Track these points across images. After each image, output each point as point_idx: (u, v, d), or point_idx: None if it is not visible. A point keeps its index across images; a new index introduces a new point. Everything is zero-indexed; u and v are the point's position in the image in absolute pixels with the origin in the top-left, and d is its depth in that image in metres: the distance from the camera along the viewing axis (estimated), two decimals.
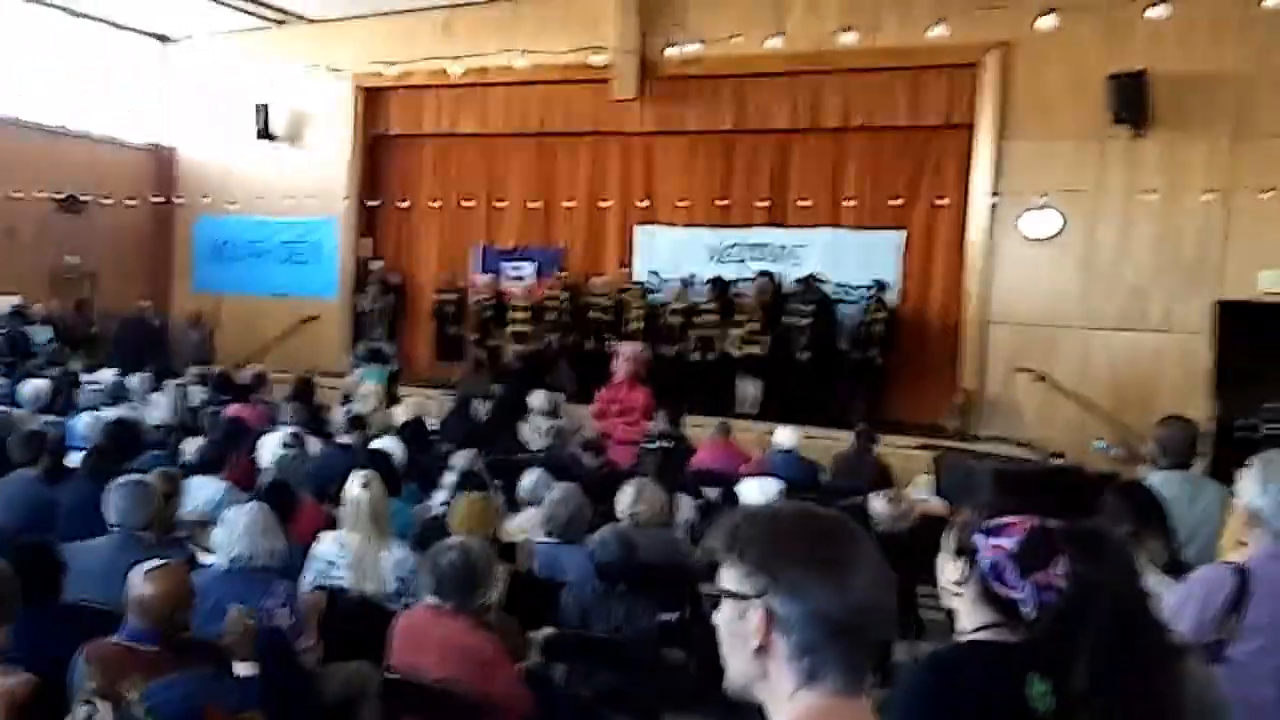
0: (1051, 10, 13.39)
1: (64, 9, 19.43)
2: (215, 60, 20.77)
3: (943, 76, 15.99)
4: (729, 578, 1.92)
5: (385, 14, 18.86)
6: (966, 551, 2.98)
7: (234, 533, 5.35)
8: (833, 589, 1.82)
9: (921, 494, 10.50)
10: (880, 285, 16.14)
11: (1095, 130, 14.56)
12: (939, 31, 14.26)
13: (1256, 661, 3.77)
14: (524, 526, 7.50)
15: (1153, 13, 13.11)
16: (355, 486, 6.43)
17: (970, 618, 2.99)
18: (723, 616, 1.93)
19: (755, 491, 7.93)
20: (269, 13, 19.40)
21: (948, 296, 16.44)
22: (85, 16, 19.85)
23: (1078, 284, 14.98)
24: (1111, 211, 14.72)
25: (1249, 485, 4.07)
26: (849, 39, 14.47)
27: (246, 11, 19.22)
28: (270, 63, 19.88)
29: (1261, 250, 13.86)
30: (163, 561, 4.42)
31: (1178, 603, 3.91)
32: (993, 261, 15.52)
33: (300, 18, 19.62)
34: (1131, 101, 14.16)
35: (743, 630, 1.88)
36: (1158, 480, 5.98)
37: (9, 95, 18.88)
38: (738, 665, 1.92)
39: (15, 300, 17.14)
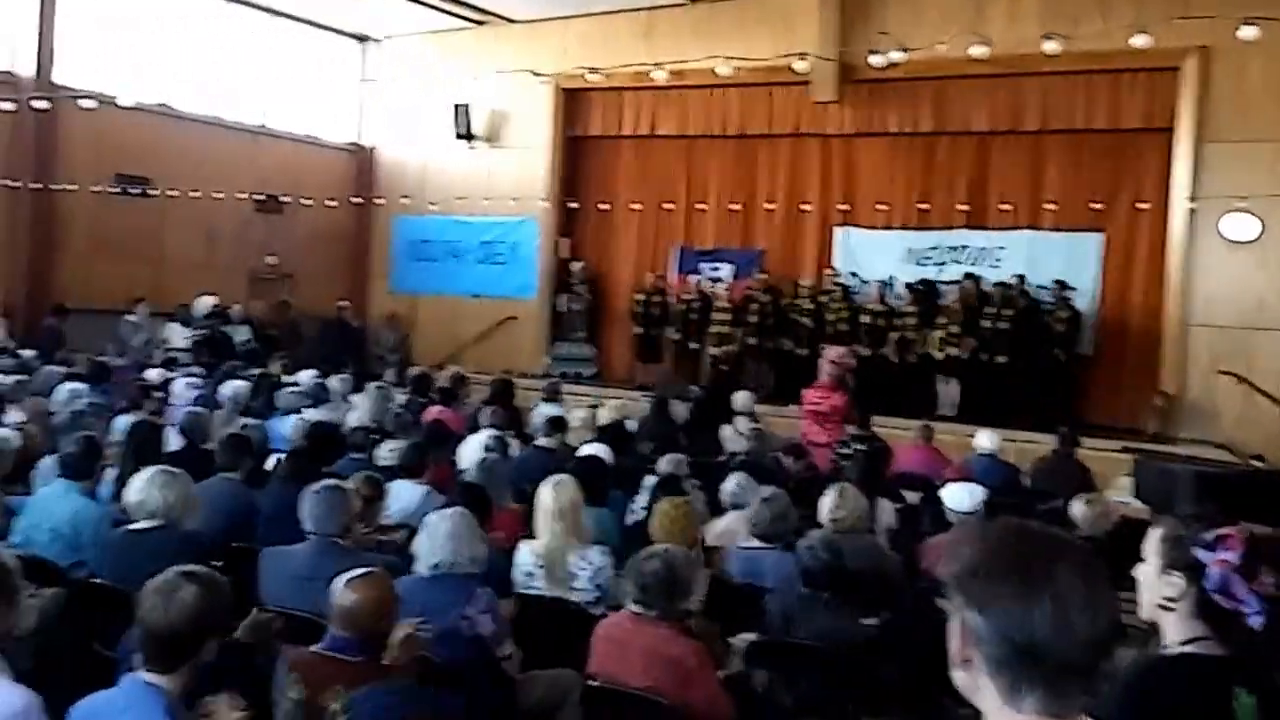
0: (1251, 19, 13.22)
1: (264, 9, 19.89)
2: (415, 60, 21.10)
3: (1142, 80, 15.99)
4: (946, 590, 1.93)
5: (586, 15, 19.01)
6: (1184, 566, 2.97)
7: (435, 539, 5.30)
8: (1018, 609, 1.80)
9: (1122, 497, 10.30)
10: (1063, 285, 16.02)
11: None
12: (1140, 41, 14.06)
13: None
14: (726, 530, 7.40)
15: None
16: (548, 490, 6.40)
17: (1180, 630, 3.00)
18: (947, 628, 1.95)
19: (959, 497, 7.71)
20: (469, 13, 19.63)
21: (1148, 299, 16.34)
22: (285, 16, 20.31)
23: (1278, 286, 14.81)
24: None
25: None
26: (1050, 46, 14.37)
27: (447, 11, 19.47)
28: (470, 63, 20.08)
29: None
30: (366, 570, 4.37)
31: None
32: (1192, 264, 15.43)
33: (501, 18, 19.82)
34: None
35: (951, 642, 1.91)
36: None
37: (209, 96, 19.29)
38: (954, 675, 1.93)
39: (214, 300, 17.47)
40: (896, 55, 15.18)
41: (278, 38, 20.44)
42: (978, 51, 14.68)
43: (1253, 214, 14.80)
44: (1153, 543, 3.11)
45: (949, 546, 1.97)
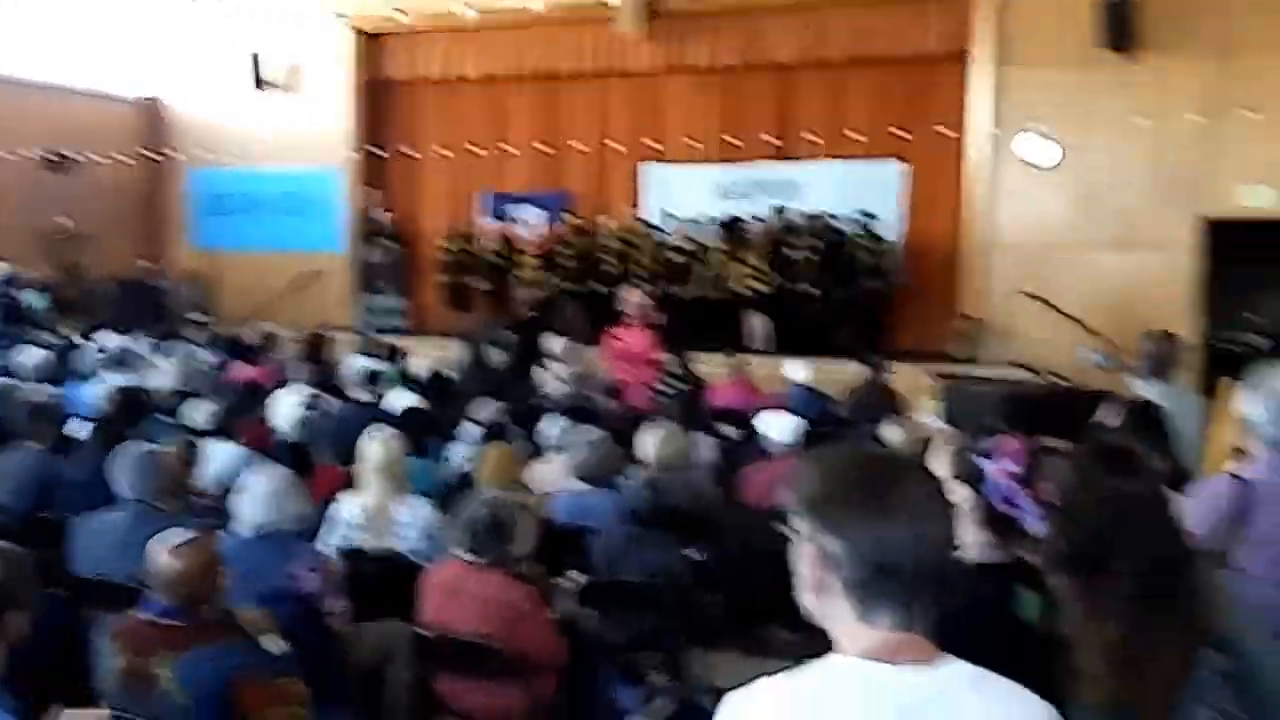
0: None
1: None
2: (205, 8, 20.26)
3: (941, 6, 16.17)
4: (791, 518, 1.98)
5: None
6: (968, 476, 3.23)
7: (256, 499, 5.22)
8: (872, 529, 1.87)
9: (930, 420, 10.55)
10: (870, 216, 16.29)
11: (1086, 55, 14.82)
12: None
13: (1268, 571, 3.89)
14: (549, 474, 7.41)
15: None
16: (370, 443, 6.31)
17: (970, 540, 3.20)
18: (791, 554, 1.99)
19: (781, 427, 7.85)
20: None
21: (950, 224, 16.64)
22: None
23: (1072, 207, 15.34)
24: (1103, 135, 14.97)
25: (1247, 400, 4.13)
26: None
27: None
28: (263, 8, 19.49)
29: (1245, 168, 14.29)
30: (190, 535, 4.28)
31: (1187, 512, 3.94)
32: (992, 188, 15.79)
33: None
34: (1119, 26, 14.41)
35: (804, 567, 1.95)
36: (1143, 392, 6.20)
37: None
38: (804, 600, 1.99)
39: (7, 266, 16.65)
40: None
41: None
42: None
43: (1047, 136, 15.20)
44: (939, 455, 3.25)
45: (792, 476, 2.01)
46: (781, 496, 2.02)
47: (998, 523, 3.15)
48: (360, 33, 19.34)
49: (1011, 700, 1.89)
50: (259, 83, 19.53)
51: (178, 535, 4.24)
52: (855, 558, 1.86)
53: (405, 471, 6.47)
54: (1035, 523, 3.07)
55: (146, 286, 18.78)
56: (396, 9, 17.65)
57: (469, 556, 5.03)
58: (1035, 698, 1.91)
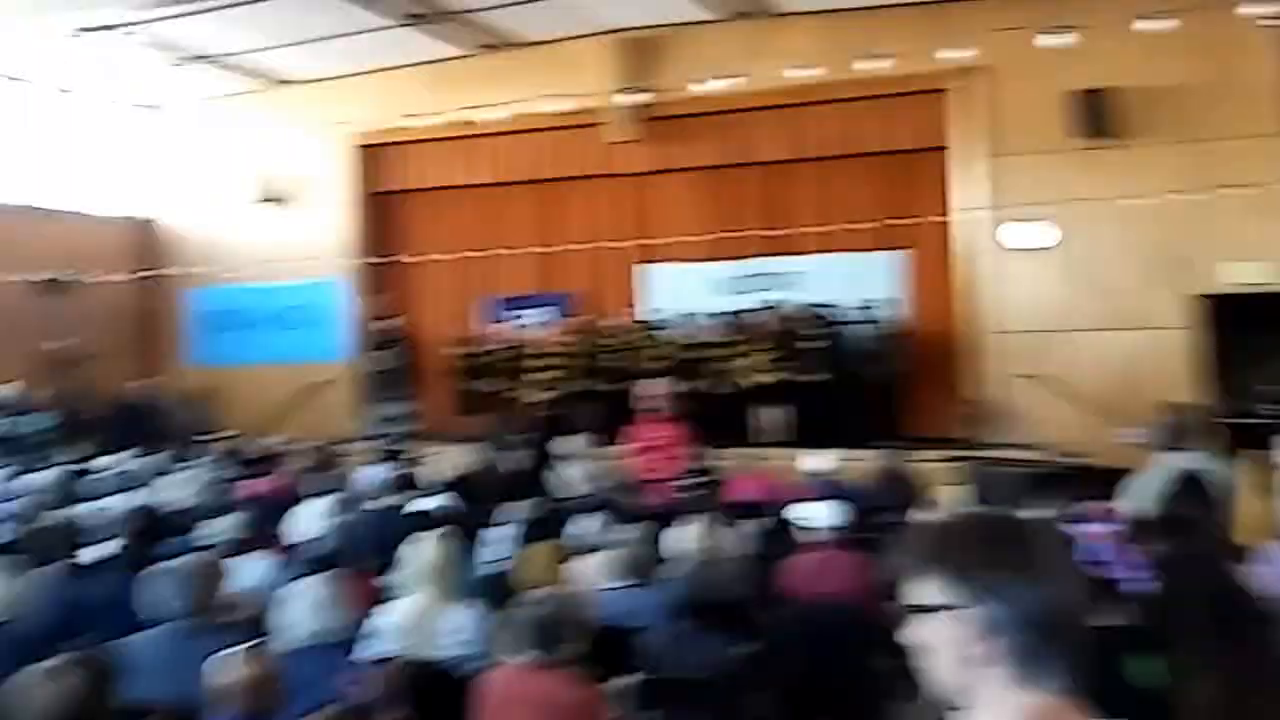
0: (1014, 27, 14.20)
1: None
2: (201, 126, 20.60)
3: (913, 102, 16.61)
4: (931, 589, 1.91)
5: (378, 70, 18.89)
6: None
7: (302, 609, 5.08)
8: (1037, 590, 1.83)
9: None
10: (873, 305, 16.44)
11: (1067, 143, 15.26)
12: (889, 65, 15.15)
13: None
14: (587, 572, 7.25)
15: (1140, 26, 13.97)
16: (420, 545, 6.13)
17: None
18: (926, 628, 1.92)
19: (823, 515, 7.73)
20: (253, 81, 19.35)
21: (944, 312, 16.80)
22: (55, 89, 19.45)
23: (1065, 289, 15.58)
24: (1089, 219, 15.26)
25: None
26: (820, 73, 15.41)
27: (236, 68, 18.96)
28: (261, 126, 19.78)
29: (1226, 245, 14.59)
30: (250, 645, 4.15)
31: (1260, 578, 3.95)
32: (982, 275, 16.09)
33: (287, 81, 19.55)
34: (1094, 115, 14.93)
35: (952, 639, 1.88)
36: (1178, 463, 6.21)
37: None
38: (947, 674, 1.91)
39: (10, 389, 16.43)
40: (681, 95, 15.81)
41: (45, 108, 19.50)
42: (754, 87, 15.60)
43: (1033, 222, 15.51)
44: None
45: (921, 546, 1.95)
46: (907, 568, 1.94)
47: (1093, 586, 3.07)
48: (358, 146, 19.54)
49: None
50: (261, 199, 19.64)
51: (238, 647, 4.11)
52: (1022, 623, 1.82)
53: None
54: (1132, 582, 3.02)
55: (144, 406, 18.59)
56: (392, 124, 17.89)
57: (525, 659, 4.88)
58: None
